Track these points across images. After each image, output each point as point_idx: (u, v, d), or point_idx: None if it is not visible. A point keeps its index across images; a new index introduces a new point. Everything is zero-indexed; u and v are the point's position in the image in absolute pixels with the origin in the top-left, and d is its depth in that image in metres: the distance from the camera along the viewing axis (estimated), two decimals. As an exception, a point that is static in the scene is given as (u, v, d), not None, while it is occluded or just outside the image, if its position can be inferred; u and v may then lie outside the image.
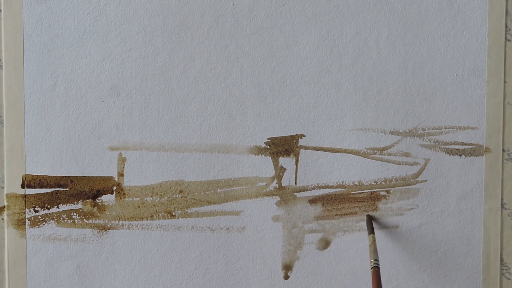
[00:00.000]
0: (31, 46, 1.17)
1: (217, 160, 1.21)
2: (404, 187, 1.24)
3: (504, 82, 1.23)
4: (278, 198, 1.22)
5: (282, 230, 1.23)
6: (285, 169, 1.22)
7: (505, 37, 1.22)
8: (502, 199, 1.24)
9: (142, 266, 1.22)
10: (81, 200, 1.20)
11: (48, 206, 1.19)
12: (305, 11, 1.20)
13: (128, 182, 1.20)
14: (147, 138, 1.20)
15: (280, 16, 1.20)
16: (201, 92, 1.20)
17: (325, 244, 1.24)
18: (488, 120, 1.23)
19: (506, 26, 1.22)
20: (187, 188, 1.21)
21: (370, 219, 1.22)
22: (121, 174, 1.20)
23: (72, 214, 1.20)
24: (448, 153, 1.23)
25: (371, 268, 1.13)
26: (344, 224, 1.23)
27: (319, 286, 1.24)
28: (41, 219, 1.19)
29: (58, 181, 1.19)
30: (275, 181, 1.22)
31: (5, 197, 1.18)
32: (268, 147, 1.21)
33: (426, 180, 1.24)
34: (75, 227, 1.20)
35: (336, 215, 1.23)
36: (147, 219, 1.21)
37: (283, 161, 1.22)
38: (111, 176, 1.20)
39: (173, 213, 1.21)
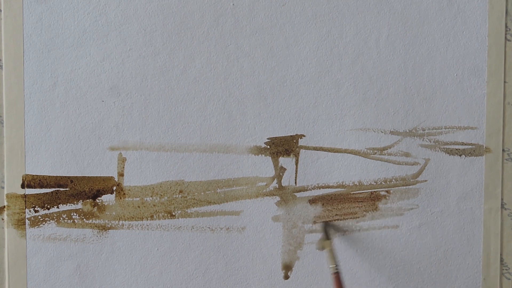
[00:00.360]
0: (31, 46, 1.17)
1: (217, 160, 1.21)
2: (404, 187, 1.24)
3: (504, 82, 1.23)
4: (278, 198, 1.22)
5: (282, 230, 1.23)
6: (285, 169, 1.22)
7: (505, 37, 1.22)
8: (502, 199, 1.24)
9: (142, 266, 1.22)
10: (81, 200, 1.20)
11: (48, 206, 1.19)
12: (305, 11, 1.20)
13: (128, 182, 1.20)
14: (147, 138, 1.20)
15: (280, 16, 1.20)
16: (201, 92, 1.20)
17: (325, 244, 1.24)
18: (488, 120, 1.23)
19: (506, 26, 1.22)
20: (187, 188, 1.21)
21: (326, 226, 1.22)
22: (121, 174, 1.20)
23: (72, 214, 1.20)
24: (448, 153, 1.23)
25: (333, 273, 1.15)
26: (344, 224, 1.23)
27: (319, 286, 1.24)
28: (41, 219, 1.19)
29: (58, 181, 1.19)
30: (275, 181, 1.22)
31: (5, 197, 1.18)
32: (268, 147, 1.21)
33: (426, 180, 1.24)
34: (75, 227, 1.20)
35: (336, 215, 1.23)
36: (147, 219, 1.21)
37: (283, 161, 1.22)
38: (111, 176, 1.20)
39: (173, 213, 1.21)
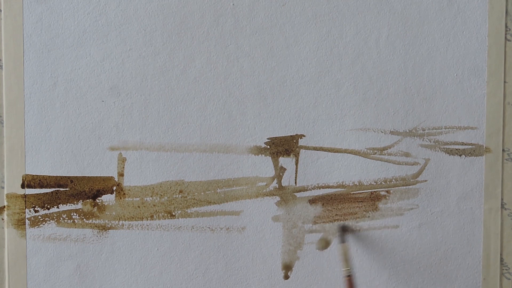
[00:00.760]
0: (31, 46, 1.17)
1: (217, 160, 1.21)
2: (404, 187, 1.24)
3: (504, 82, 1.23)
4: (278, 198, 1.22)
5: (282, 230, 1.23)
6: (285, 169, 1.22)
7: (505, 37, 1.22)
8: (502, 199, 1.24)
9: (142, 266, 1.22)
10: (81, 200, 1.20)
11: (48, 206, 1.19)
12: (305, 11, 1.20)
13: (128, 182, 1.20)
14: (147, 138, 1.20)
15: (280, 16, 1.20)
16: (201, 92, 1.20)
17: (325, 244, 1.24)
18: (488, 120, 1.23)
19: (506, 26, 1.22)
20: (187, 188, 1.21)
21: (343, 229, 1.22)
22: (121, 174, 1.20)
23: (72, 214, 1.20)
24: (448, 153, 1.23)
25: (346, 276, 1.15)
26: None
27: (319, 286, 1.24)
28: (41, 219, 1.19)
29: (58, 181, 1.19)
30: (275, 181, 1.22)
31: (5, 197, 1.18)
32: (268, 147, 1.21)
33: (426, 180, 1.24)
34: (75, 227, 1.20)
35: (336, 215, 1.23)
36: (147, 219, 1.21)
37: (283, 161, 1.22)
38: (111, 176, 1.20)
39: (173, 213, 1.21)
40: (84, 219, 1.20)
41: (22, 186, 1.18)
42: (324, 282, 1.24)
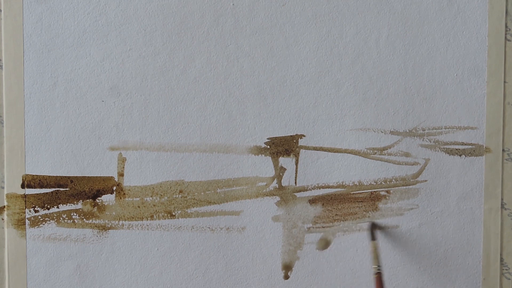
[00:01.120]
0: (31, 46, 1.17)
1: (217, 160, 1.21)
2: (404, 187, 1.24)
3: (504, 82, 1.23)
4: (278, 198, 1.22)
5: (282, 230, 1.23)
6: (285, 169, 1.22)
7: (505, 37, 1.22)
8: (502, 199, 1.24)
9: (142, 266, 1.22)
10: (81, 200, 1.20)
11: (48, 206, 1.19)
12: (305, 11, 1.20)
13: (128, 182, 1.20)
14: (147, 138, 1.20)
15: (280, 16, 1.20)
16: (201, 92, 1.20)
17: (325, 244, 1.24)
18: (488, 120, 1.23)
19: (506, 26, 1.22)
20: (187, 188, 1.21)
21: (373, 227, 1.22)
22: (121, 174, 1.20)
23: (72, 214, 1.20)
24: (448, 153, 1.23)
25: (375, 274, 1.14)
26: (344, 224, 1.23)
27: (319, 286, 1.24)
28: (41, 219, 1.19)
29: (58, 181, 1.19)
30: (275, 181, 1.22)
31: (5, 197, 1.18)
32: (268, 147, 1.21)
33: (426, 180, 1.24)
34: (75, 227, 1.20)
35: (336, 215, 1.23)
36: (147, 219, 1.21)
37: (283, 161, 1.22)
38: (111, 176, 1.20)
39: (173, 213, 1.21)
40: (84, 219, 1.20)
41: (22, 186, 1.18)
42: (324, 282, 1.24)
